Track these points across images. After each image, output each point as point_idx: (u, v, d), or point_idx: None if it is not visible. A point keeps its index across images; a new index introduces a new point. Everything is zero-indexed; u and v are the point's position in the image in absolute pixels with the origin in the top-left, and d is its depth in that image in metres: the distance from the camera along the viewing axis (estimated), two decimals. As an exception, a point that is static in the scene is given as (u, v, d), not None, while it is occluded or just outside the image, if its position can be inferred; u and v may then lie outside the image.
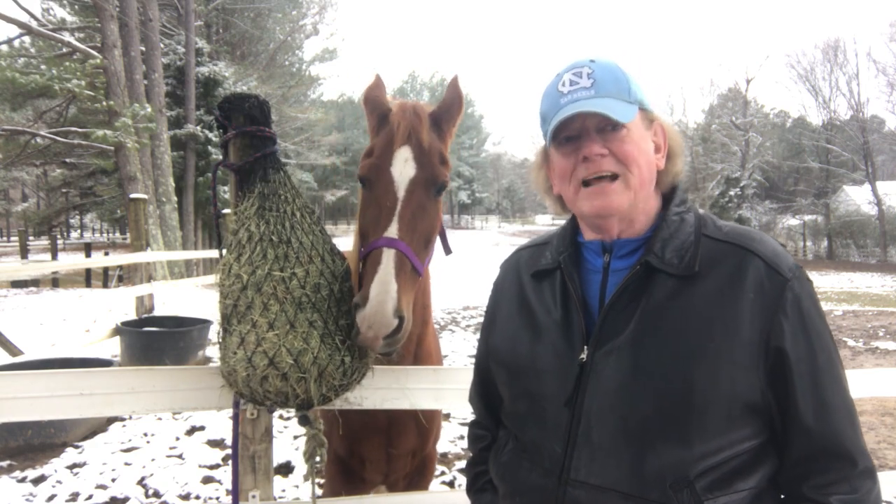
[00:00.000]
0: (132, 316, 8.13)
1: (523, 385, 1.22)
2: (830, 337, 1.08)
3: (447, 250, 1.98)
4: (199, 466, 4.39)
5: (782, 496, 1.10)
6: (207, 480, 4.17)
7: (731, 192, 32.81)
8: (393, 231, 1.60)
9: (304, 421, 1.65)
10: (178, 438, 4.95)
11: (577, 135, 1.13)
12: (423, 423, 2.08)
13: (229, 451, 4.54)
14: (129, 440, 4.88)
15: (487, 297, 1.46)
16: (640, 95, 1.16)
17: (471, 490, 1.42)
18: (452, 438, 5.01)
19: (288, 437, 4.93)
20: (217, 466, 4.41)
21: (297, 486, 4.05)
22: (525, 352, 1.22)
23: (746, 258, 1.08)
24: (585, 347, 1.12)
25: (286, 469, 4.32)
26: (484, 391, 1.43)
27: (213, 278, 1.86)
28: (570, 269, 1.21)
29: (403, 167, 1.67)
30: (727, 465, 1.04)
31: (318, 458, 1.70)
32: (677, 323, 1.06)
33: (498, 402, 1.37)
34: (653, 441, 1.04)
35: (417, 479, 2.27)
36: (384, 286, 1.51)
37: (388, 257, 1.56)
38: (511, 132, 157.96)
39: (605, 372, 1.09)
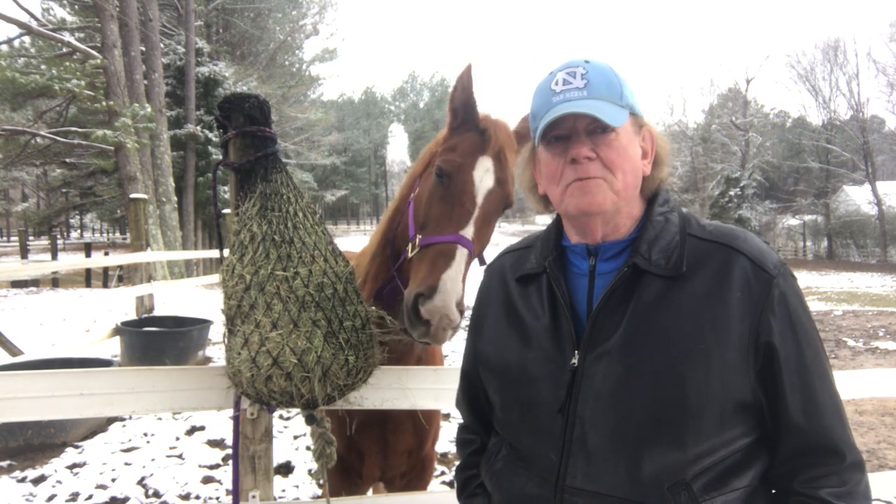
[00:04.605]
0: (132, 316, 8.13)
1: (515, 393, 1.21)
2: (816, 333, 1.09)
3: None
4: (199, 466, 4.39)
5: (773, 491, 1.10)
6: (207, 480, 4.17)
7: (731, 192, 32.79)
8: (469, 232, 1.66)
9: (310, 420, 1.65)
10: (178, 438, 4.95)
11: (567, 135, 1.12)
12: (422, 423, 2.08)
13: (229, 451, 4.54)
14: (129, 440, 4.88)
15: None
16: (632, 100, 1.15)
17: (461, 495, 1.40)
18: (453, 438, 5.02)
19: (288, 437, 4.93)
20: (217, 466, 4.42)
21: (297, 487, 4.05)
22: (515, 359, 1.21)
23: (732, 257, 1.08)
24: (576, 352, 1.11)
25: (286, 469, 4.33)
26: (471, 397, 1.42)
27: (213, 278, 1.86)
28: (556, 273, 1.19)
29: (484, 176, 1.71)
30: (722, 464, 1.05)
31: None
32: (667, 324, 1.06)
33: (486, 407, 1.36)
34: (648, 445, 1.03)
35: (416, 480, 2.27)
36: (455, 284, 1.57)
37: (462, 256, 1.62)
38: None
39: (597, 377, 1.08)
